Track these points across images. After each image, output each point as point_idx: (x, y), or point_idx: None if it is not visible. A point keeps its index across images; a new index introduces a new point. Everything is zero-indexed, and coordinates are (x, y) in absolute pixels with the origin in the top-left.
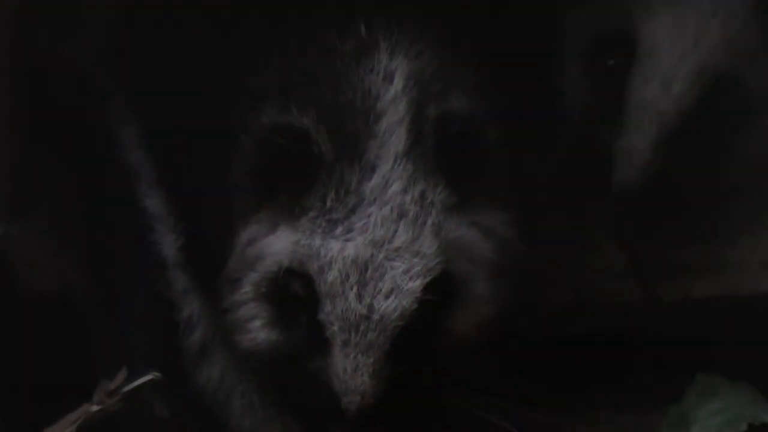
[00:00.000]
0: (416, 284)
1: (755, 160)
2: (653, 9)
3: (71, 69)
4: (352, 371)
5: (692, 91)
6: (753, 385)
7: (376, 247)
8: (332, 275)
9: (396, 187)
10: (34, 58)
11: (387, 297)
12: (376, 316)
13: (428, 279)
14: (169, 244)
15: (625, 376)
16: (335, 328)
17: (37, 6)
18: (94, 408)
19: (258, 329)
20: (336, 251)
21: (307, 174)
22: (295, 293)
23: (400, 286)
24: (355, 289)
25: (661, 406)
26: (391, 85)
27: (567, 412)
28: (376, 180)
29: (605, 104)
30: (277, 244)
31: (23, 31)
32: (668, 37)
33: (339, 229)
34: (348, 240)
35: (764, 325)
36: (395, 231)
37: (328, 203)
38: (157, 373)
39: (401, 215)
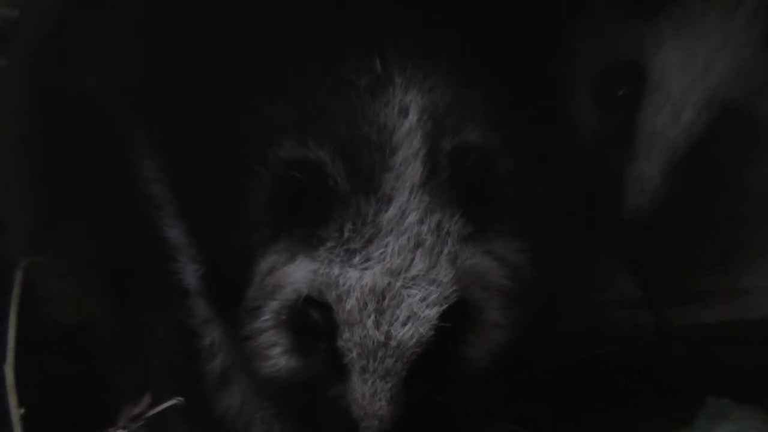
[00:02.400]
0: (433, 312)
1: (763, 189)
2: (662, 39)
3: (94, 106)
4: (370, 397)
5: (701, 120)
6: (763, 409)
7: (393, 275)
8: (350, 303)
9: (412, 217)
10: (59, 96)
11: (404, 324)
12: (393, 343)
13: (444, 306)
14: (190, 273)
15: (637, 401)
16: (353, 354)
17: (60, 45)
18: None
19: (278, 356)
20: (354, 280)
21: (323, 206)
22: (313, 321)
23: (417, 314)
24: (372, 316)
25: (672, 430)
26: (406, 118)
27: None
28: (392, 211)
29: (616, 133)
30: (296, 273)
31: (48, 69)
32: (677, 66)
33: (357, 259)
34: (366, 269)
35: None
36: (412, 260)
37: (346, 234)
38: (180, 399)
39: (418, 245)
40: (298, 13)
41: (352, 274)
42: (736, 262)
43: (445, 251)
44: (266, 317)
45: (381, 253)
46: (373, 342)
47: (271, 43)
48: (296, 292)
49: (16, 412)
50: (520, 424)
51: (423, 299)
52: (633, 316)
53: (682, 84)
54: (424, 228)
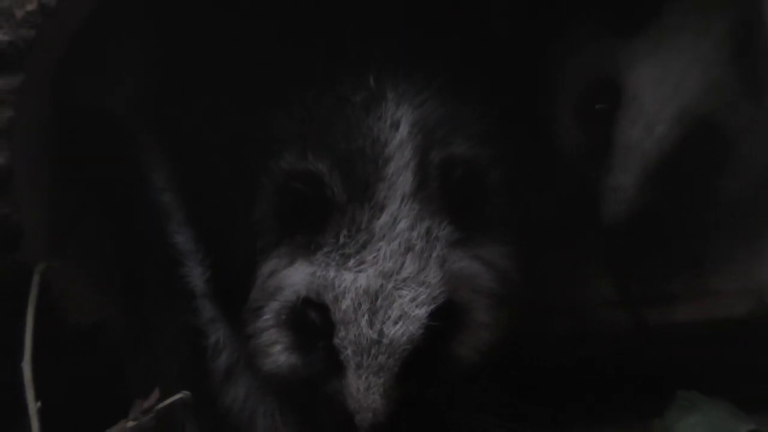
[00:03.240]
0: (422, 311)
1: (732, 198)
2: (637, 58)
3: (109, 121)
4: (364, 391)
5: (673, 133)
6: (729, 400)
7: (385, 277)
8: (346, 304)
9: (403, 224)
10: (76, 111)
11: (396, 323)
12: (386, 341)
13: (433, 307)
14: (197, 276)
15: (615, 395)
16: (349, 352)
17: (76, 62)
18: (130, 423)
19: (278, 353)
20: (349, 282)
21: (321, 214)
22: (311, 320)
23: (408, 313)
24: (366, 316)
25: (646, 421)
26: (398, 131)
27: (560, 428)
28: (384, 218)
29: (594, 146)
30: (295, 276)
31: (65, 85)
32: (651, 83)
33: (351, 262)
34: (360, 271)
35: (739, 347)
36: (403, 263)
37: (341, 239)
38: (186, 393)
39: (408, 249)
40: (300, 36)
41: (347, 276)
42: (706, 266)
43: (434, 255)
44: (268, 317)
45: (374, 257)
46: (367, 340)
47: (275, 65)
48: (296, 293)
49: (33, 405)
50: (508, 418)
51: (413, 299)
52: (612, 317)
53: (656, 100)
54: (414, 234)
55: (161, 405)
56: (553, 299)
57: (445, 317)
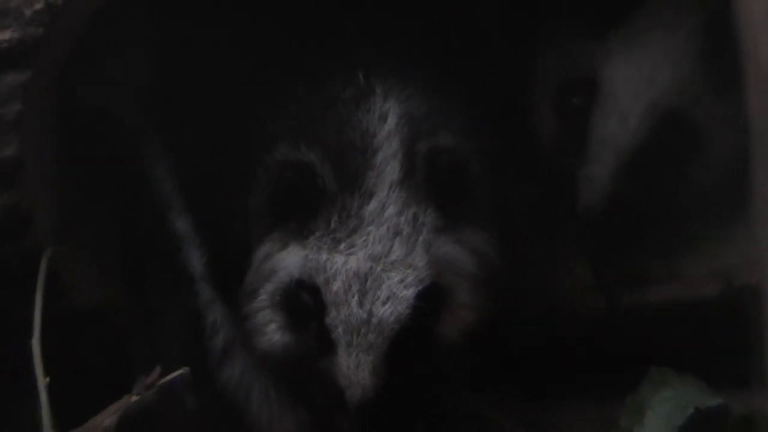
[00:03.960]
0: (409, 292)
1: (701, 187)
2: (611, 56)
3: (113, 117)
4: (354, 368)
5: (645, 126)
6: (698, 376)
7: (374, 260)
8: (337, 285)
9: (391, 210)
10: (81, 107)
11: (384, 303)
12: (375, 321)
13: (420, 288)
14: (195, 260)
15: (591, 372)
16: (340, 331)
17: (81, 61)
18: (134, 398)
19: (273, 333)
20: (340, 265)
21: (313, 201)
22: (304, 302)
23: (396, 294)
24: (356, 297)
25: (621, 396)
26: (385, 123)
27: (540, 404)
28: (373, 205)
29: (571, 139)
30: (289, 260)
31: (71, 83)
32: (624, 79)
33: (342, 246)
34: (350, 255)
35: (709, 327)
36: (391, 247)
37: (333, 225)
38: (186, 369)
39: (396, 234)
40: (294, 37)
41: (339, 259)
42: (677, 251)
43: (420, 240)
44: (262, 298)
45: (363, 241)
46: (357, 319)
47: (270, 64)
48: (289, 276)
49: (42, 380)
50: (489, 394)
51: (401, 281)
52: (587, 298)
53: (629, 94)
54: (402, 219)
55: (162, 381)
56: (532, 282)
57: (431, 299)
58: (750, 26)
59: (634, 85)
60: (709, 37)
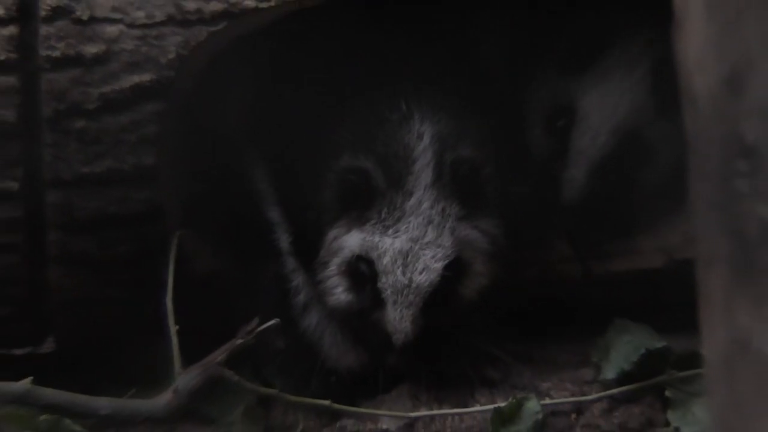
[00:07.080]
0: (439, 265)
1: (653, 186)
2: (586, 90)
3: (224, 137)
4: (399, 319)
5: (610, 142)
6: (649, 325)
7: (413, 241)
8: (386, 259)
9: (426, 205)
10: (201, 130)
11: (420, 273)
12: (414, 285)
13: (447, 261)
14: (283, 240)
15: (570, 323)
16: (388, 292)
17: (201, 94)
18: (239, 341)
19: (339, 293)
20: (388, 244)
21: (369, 198)
22: (362, 271)
23: (429, 266)
24: (400, 268)
25: (592, 339)
26: (422, 140)
27: (533, 344)
28: (413, 201)
29: (557, 151)
30: (351, 240)
31: (192, 110)
32: (596, 107)
33: (390, 231)
34: (396, 237)
35: (656, 289)
36: (425, 232)
37: (383, 215)
38: (277, 320)
39: (429, 222)
40: (356, 75)
41: (387, 240)
42: (633, 232)
43: (447, 226)
44: (332, 269)
45: (405, 227)
46: (401, 284)
47: (338, 94)
48: (351, 252)
49: (173, 328)
50: (496, 339)
51: (433, 256)
52: (568, 268)
53: (599, 119)
54: (433, 211)
55: (259, 329)
56: (526, 256)
57: (454, 269)
58: (686, 67)
59: (602, 112)
60: (657, 76)
